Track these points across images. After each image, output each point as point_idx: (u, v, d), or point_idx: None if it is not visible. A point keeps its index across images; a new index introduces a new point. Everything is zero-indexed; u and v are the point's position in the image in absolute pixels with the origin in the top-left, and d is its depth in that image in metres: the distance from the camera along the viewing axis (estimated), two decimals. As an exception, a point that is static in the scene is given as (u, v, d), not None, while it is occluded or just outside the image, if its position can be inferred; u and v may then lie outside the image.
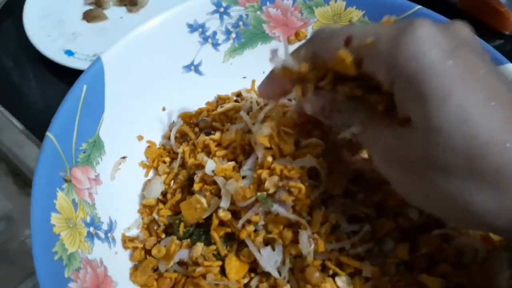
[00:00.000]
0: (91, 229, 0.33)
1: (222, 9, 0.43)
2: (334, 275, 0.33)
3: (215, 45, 0.44)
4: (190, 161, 0.39)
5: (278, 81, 0.32)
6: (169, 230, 0.37)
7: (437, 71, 0.23)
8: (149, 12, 0.54)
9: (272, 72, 0.32)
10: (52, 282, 0.28)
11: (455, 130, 0.22)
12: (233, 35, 0.44)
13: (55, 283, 0.28)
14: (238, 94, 0.46)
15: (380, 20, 0.42)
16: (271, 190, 0.32)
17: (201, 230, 0.36)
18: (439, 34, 0.24)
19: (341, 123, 0.29)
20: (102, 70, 0.37)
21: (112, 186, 0.37)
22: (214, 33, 0.43)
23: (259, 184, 0.33)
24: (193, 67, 0.44)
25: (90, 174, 0.35)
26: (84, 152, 0.35)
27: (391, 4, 0.42)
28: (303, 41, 0.45)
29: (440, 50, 0.23)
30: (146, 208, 0.38)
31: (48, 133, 0.33)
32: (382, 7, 0.42)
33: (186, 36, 0.42)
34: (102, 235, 0.34)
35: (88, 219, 0.34)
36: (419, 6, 0.41)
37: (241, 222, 0.33)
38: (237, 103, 0.43)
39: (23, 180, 0.44)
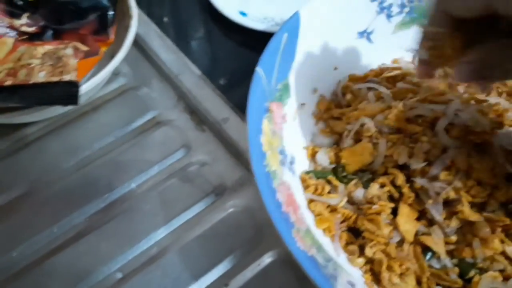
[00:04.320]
0: (282, 157, 0.38)
1: (403, -17, 0.46)
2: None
3: (389, 16, 0.47)
4: (354, 114, 0.42)
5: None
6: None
7: None
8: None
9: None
10: (266, 187, 0.32)
11: None
12: (407, 9, 0.47)
13: (268, 189, 0.33)
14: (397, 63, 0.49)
15: None
16: None
17: (369, 174, 0.39)
18: None
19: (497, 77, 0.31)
20: (298, 22, 0.42)
21: (293, 126, 0.41)
22: (390, 5, 0.47)
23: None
24: (366, 34, 0.47)
25: (281, 111, 0.40)
26: (279, 91, 0.40)
27: None
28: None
29: None
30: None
31: (257, 68, 0.38)
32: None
33: (367, 4, 0.46)
34: (288, 164, 0.39)
35: (280, 148, 0.38)
36: None
37: (420, 181, 0.36)
38: (404, 69, 0.46)
39: (198, 118, 0.50)
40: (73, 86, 0.36)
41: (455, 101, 0.38)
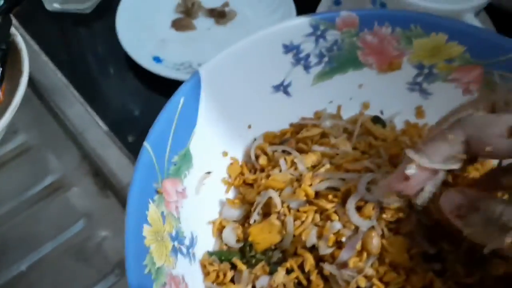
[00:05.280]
0: (176, 243, 0.33)
1: (319, 32, 0.42)
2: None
3: (307, 67, 0.43)
4: (263, 183, 0.38)
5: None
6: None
7: None
8: (237, 26, 0.55)
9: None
10: (142, 296, 0.28)
11: None
12: (326, 58, 0.43)
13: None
14: (319, 116, 0.45)
15: (482, 59, 0.40)
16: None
17: (280, 253, 0.35)
18: None
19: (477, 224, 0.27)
20: (199, 83, 0.37)
21: (196, 200, 0.37)
22: (307, 55, 0.43)
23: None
24: (282, 88, 0.43)
25: (178, 187, 0.35)
26: (175, 165, 0.35)
27: (496, 43, 0.40)
28: (396, 71, 0.45)
29: None
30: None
31: (145, 143, 0.33)
32: (486, 44, 0.40)
33: (280, 56, 0.42)
34: (184, 250, 0.34)
35: (174, 233, 0.34)
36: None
37: (328, 268, 0.33)
38: (323, 128, 0.42)
39: (103, 181, 0.45)
40: None
41: (367, 173, 0.34)
